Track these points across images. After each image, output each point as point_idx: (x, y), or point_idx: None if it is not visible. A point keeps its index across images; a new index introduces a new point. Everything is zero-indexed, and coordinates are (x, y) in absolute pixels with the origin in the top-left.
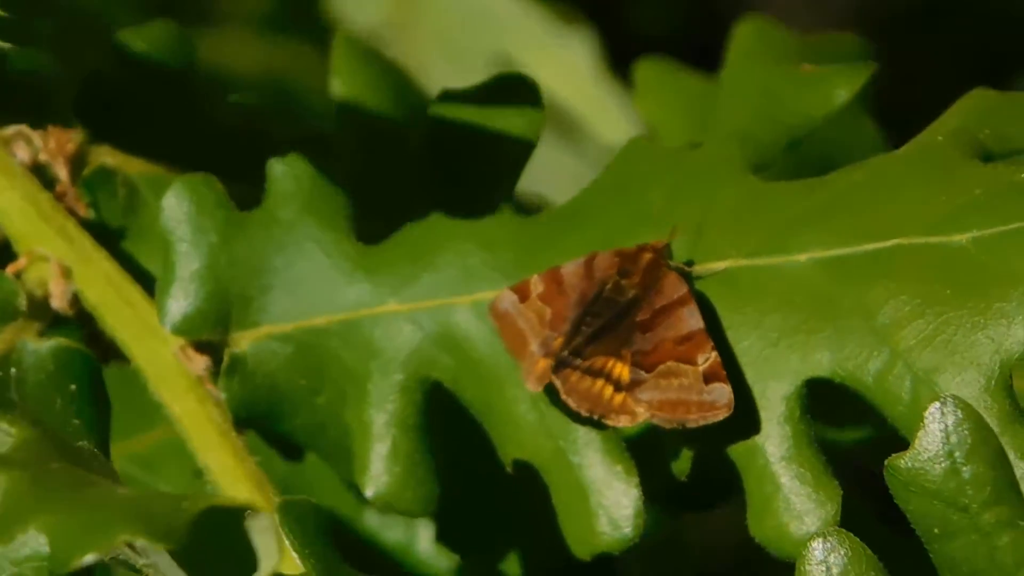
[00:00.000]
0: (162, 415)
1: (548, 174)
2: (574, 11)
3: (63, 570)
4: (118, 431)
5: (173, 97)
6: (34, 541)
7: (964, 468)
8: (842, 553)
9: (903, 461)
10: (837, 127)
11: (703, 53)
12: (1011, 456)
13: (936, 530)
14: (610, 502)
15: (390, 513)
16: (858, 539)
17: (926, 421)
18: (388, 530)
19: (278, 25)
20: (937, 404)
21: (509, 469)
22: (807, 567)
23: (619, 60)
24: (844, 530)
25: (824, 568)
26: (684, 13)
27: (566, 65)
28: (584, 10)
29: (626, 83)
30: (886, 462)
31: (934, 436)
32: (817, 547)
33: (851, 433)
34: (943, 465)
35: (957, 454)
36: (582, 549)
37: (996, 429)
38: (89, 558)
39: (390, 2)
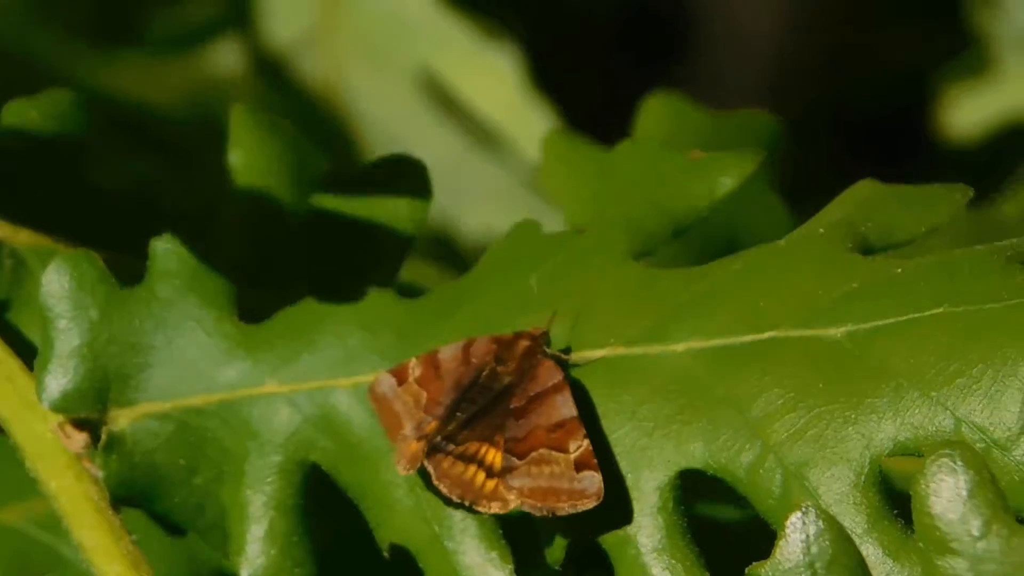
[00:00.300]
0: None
1: (470, 187)
2: (500, 25)
3: None
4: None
5: (65, 168)
6: None
7: None
8: None
9: (764, 570)
10: (743, 205)
11: (638, 61)
12: (879, 553)
13: None
14: None
15: None
16: None
17: (787, 531)
18: None
19: (205, 37)
20: (798, 514)
21: (386, 554)
22: None
23: (548, 72)
24: None
25: None
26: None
27: (490, 78)
28: (511, 22)
29: (552, 96)
30: (747, 571)
31: (795, 546)
32: None
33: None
34: (804, 575)
35: (817, 564)
36: None
37: (865, 526)
38: None
39: (315, 10)
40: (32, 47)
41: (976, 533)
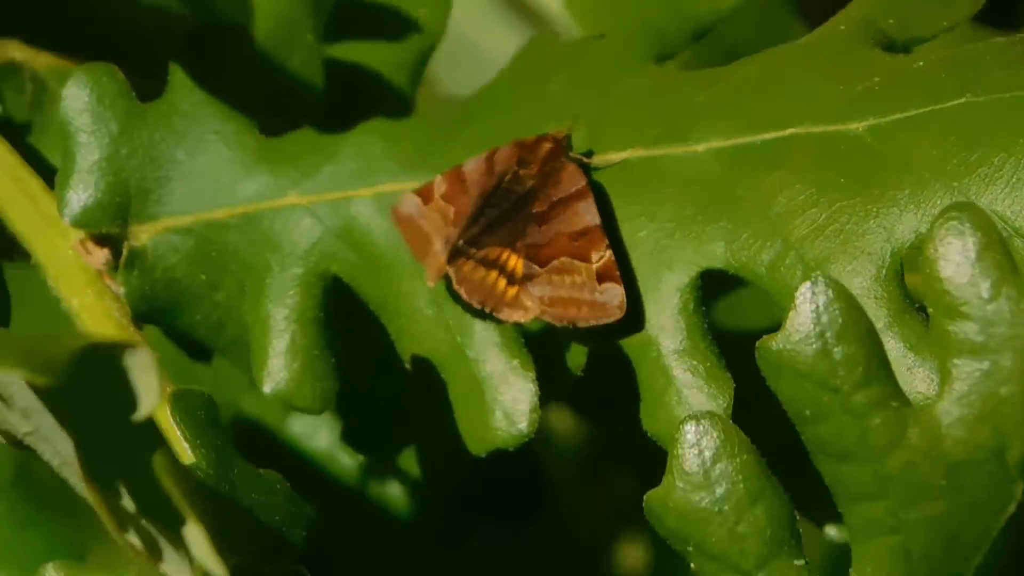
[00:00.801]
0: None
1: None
2: None
3: None
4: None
5: None
6: None
7: (835, 349)
8: (715, 436)
9: (774, 343)
10: (762, 27)
11: None
12: (900, 347)
13: (807, 412)
14: (506, 397)
15: (289, 409)
16: (731, 423)
17: (797, 302)
18: (312, 438)
19: None
20: (808, 284)
21: (407, 364)
22: (680, 450)
23: None
24: (717, 414)
25: (696, 451)
26: None
27: None
28: None
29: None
30: (757, 344)
31: (805, 317)
32: (690, 430)
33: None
34: (814, 346)
35: (828, 335)
36: (477, 445)
37: (887, 320)
38: None
39: None
40: None
41: (986, 296)
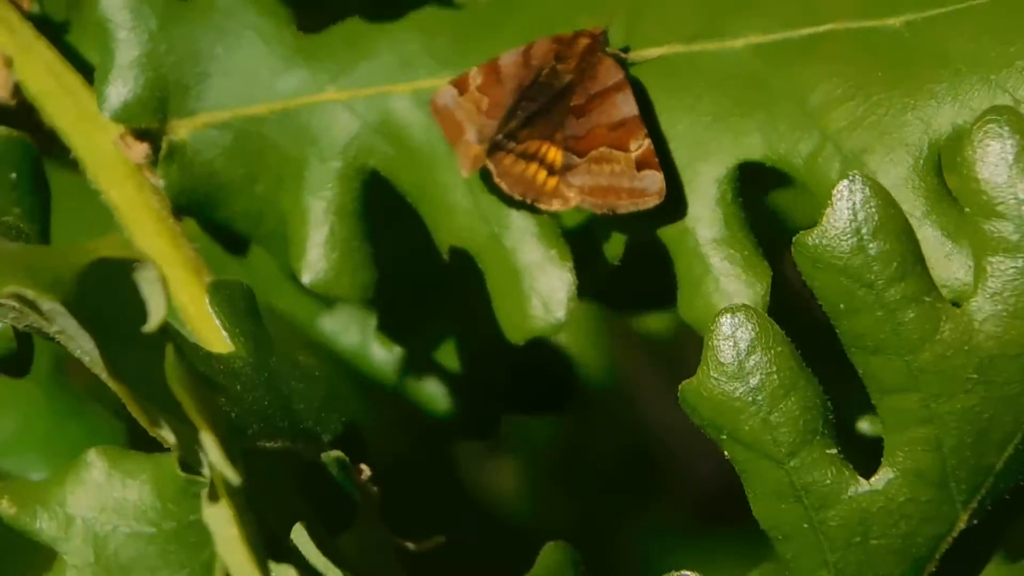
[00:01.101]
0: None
1: None
2: None
3: None
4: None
5: None
6: None
7: (870, 244)
8: (749, 328)
9: (810, 238)
10: None
11: None
12: (938, 235)
13: (842, 306)
14: (543, 286)
15: (328, 299)
16: (766, 315)
17: (834, 198)
18: (343, 335)
19: None
20: (845, 181)
21: (444, 255)
22: (715, 341)
23: None
24: (751, 306)
25: (732, 343)
26: None
27: None
28: None
29: None
30: (794, 240)
31: (841, 213)
32: (725, 322)
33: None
34: (850, 241)
35: (864, 231)
36: (515, 333)
37: (924, 209)
38: None
39: None
40: None
41: (1022, 196)
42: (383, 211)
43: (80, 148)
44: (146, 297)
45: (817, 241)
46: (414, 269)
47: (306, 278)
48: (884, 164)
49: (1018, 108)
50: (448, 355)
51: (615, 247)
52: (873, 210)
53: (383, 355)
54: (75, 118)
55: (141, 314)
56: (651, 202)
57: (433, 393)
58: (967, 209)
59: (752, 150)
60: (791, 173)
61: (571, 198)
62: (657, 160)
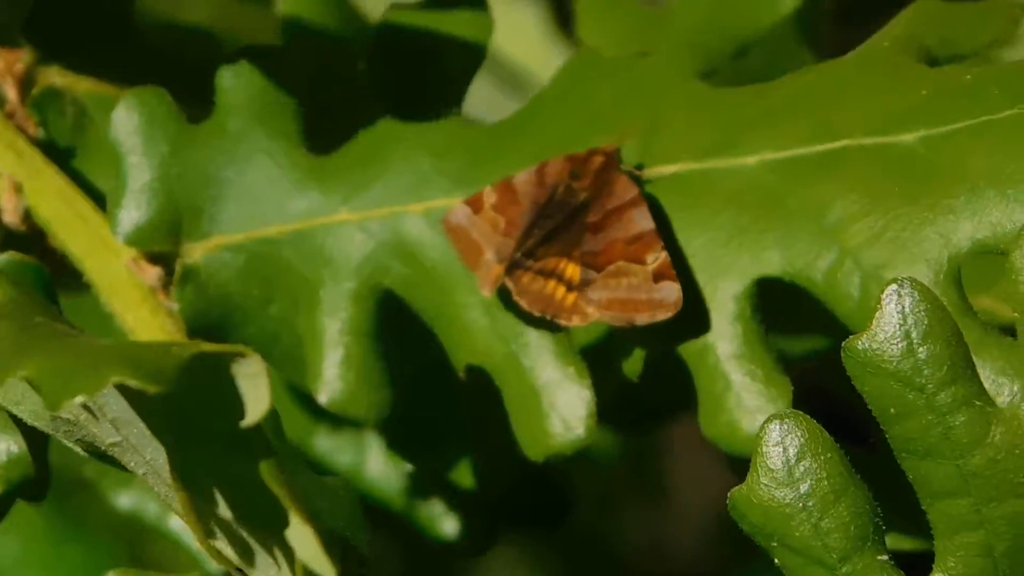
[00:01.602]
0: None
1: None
2: None
3: (54, 411)
4: None
5: (121, 20)
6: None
7: (920, 348)
8: (799, 434)
9: (860, 342)
10: (773, 57)
11: None
12: None
13: (892, 410)
14: (563, 403)
15: (346, 419)
16: (815, 421)
17: (883, 302)
18: (338, 454)
19: None
20: (894, 286)
21: (461, 375)
22: (765, 448)
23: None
24: (801, 412)
25: (781, 449)
26: None
27: (519, 26)
28: None
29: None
30: (844, 344)
31: (891, 317)
32: (774, 429)
33: (803, 343)
34: (900, 345)
35: (914, 334)
36: (535, 451)
37: None
38: (79, 399)
39: None
40: None
41: None
42: (399, 329)
43: (93, 272)
44: (244, 392)
45: (867, 345)
46: (426, 388)
47: (323, 398)
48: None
49: None
50: (464, 476)
51: (635, 364)
52: (923, 314)
53: (379, 475)
54: (88, 242)
55: (229, 410)
56: (669, 312)
57: (434, 514)
58: (1016, 314)
59: (771, 266)
60: (810, 289)
61: (590, 313)
62: (674, 272)
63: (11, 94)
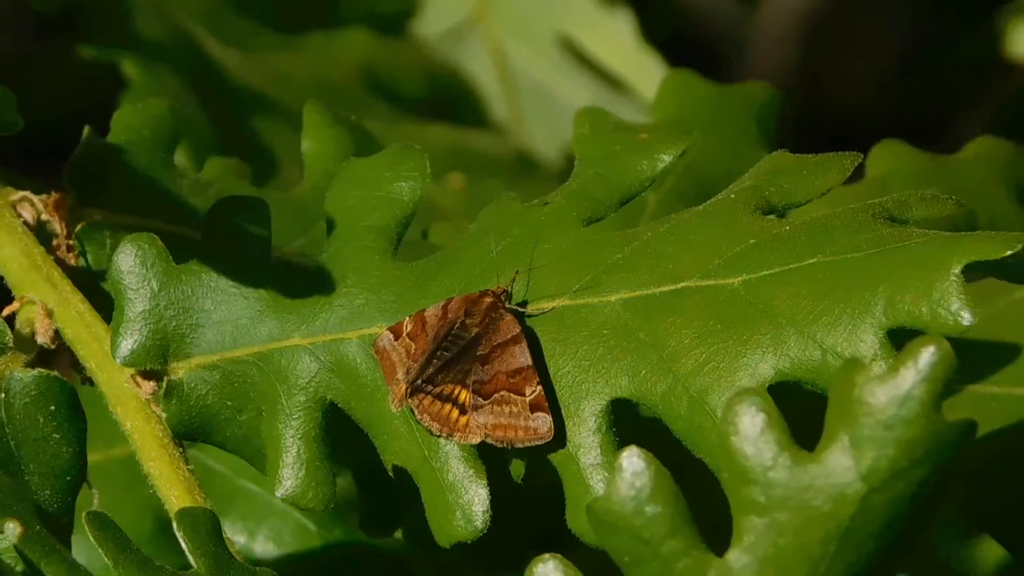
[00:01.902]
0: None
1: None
2: None
3: None
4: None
5: (152, 173)
6: None
7: (647, 507)
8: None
9: (599, 503)
10: (732, 159)
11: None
12: None
13: (627, 559)
14: (464, 500)
15: (298, 508)
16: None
17: (618, 468)
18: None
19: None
20: (625, 454)
21: (390, 472)
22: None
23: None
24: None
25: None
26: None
27: (613, 38)
28: None
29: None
30: (587, 505)
31: (623, 481)
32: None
33: None
34: (630, 505)
35: (641, 496)
36: (443, 538)
37: None
38: None
39: (469, 2)
40: (224, 30)
41: (768, 464)
42: (340, 434)
43: (103, 385)
44: None
45: (604, 505)
46: (365, 482)
47: (279, 492)
48: (722, 402)
49: (825, 355)
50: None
51: (518, 469)
52: (647, 478)
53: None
54: (100, 360)
55: None
56: (542, 440)
57: None
58: (724, 475)
59: (621, 389)
60: (651, 408)
61: (478, 433)
62: (547, 404)
63: (58, 229)
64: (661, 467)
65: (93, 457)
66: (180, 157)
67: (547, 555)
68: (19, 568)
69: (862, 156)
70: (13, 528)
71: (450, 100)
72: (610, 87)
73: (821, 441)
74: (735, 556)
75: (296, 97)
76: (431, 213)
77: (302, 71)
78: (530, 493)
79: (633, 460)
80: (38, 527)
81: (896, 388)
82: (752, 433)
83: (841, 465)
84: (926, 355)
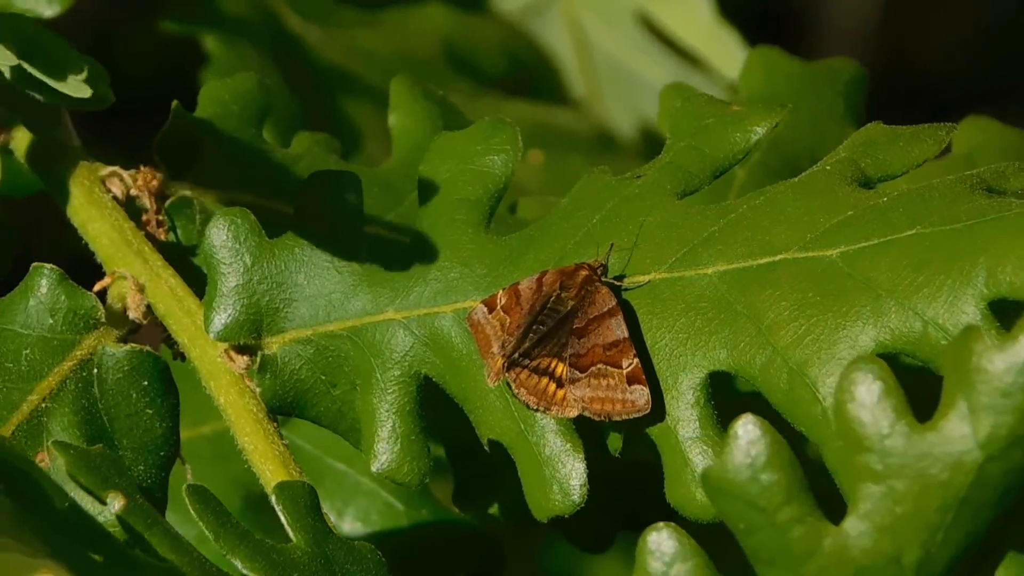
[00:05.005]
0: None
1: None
2: None
3: None
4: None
5: (242, 147)
6: None
7: (762, 475)
8: (672, 542)
9: (714, 470)
10: (819, 135)
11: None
12: None
13: (741, 526)
14: (561, 474)
15: (394, 483)
16: (684, 531)
17: (731, 436)
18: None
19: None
20: (741, 421)
21: (486, 447)
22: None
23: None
24: (674, 525)
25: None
26: None
27: (690, 14)
28: None
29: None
30: (702, 472)
31: (738, 449)
32: (652, 538)
33: None
34: (745, 473)
35: (756, 464)
36: (540, 512)
37: None
38: None
39: None
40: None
41: (885, 432)
42: (435, 408)
43: (195, 359)
44: None
45: (719, 473)
46: (461, 456)
47: (375, 467)
48: (822, 374)
49: (926, 327)
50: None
51: (616, 442)
52: (763, 446)
53: None
54: (192, 335)
55: None
56: (640, 412)
57: None
58: (839, 442)
59: (719, 362)
60: (750, 380)
61: (575, 407)
62: (644, 376)
63: (148, 205)
64: (777, 435)
65: (182, 434)
66: (265, 132)
67: (661, 524)
68: (123, 539)
69: (956, 127)
70: (117, 500)
71: (529, 76)
72: (688, 64)
73: (938, 409)
74: (851, 524)
75: (377, 73)
76: (513, 189)
77: (383, 46)
78: (615, 467)
79: (748, 428)
80: (140, 499)
81: (1015, 356)
82: (869, 400)
83: (959, 433)
84: None
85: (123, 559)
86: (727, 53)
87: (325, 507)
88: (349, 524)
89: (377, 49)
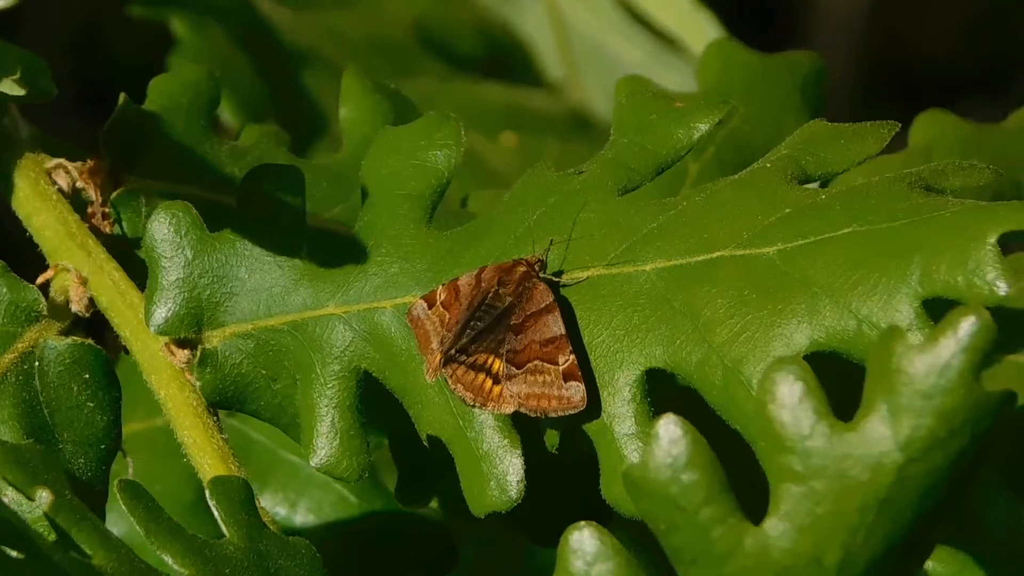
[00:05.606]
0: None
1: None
2: None
3: None
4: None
5: (188, 140)
6: None
7: (683, 475)
8: (595, 541)
9: (635, 470)
10: (779, 126)
11: None
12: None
13: (663, 526)
14: (499, 470)
15: (332, 478)
16: (606, 529)
17: (654, 436)
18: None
19: None
20: (662, 421)
21: (425, 442)
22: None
23: None
24: (595, 524)
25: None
26: None
27: None
28: None
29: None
30: (623, 471)
31: (660, 448)
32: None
33: None
34: (666, 473)
35: (677, 463)
36: (477, 508)
37: None
38: None
39: None
40: None
41: (805, 432)
42: (374, 404)
43: (137, 353)
44: None
45: (640, 472)
46: (400, 452)
47: (314, 462)
48: (756, 372)
49: (861, 325)
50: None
51: (552, 439)
52: (684, 446)
53: None
54: (134, 328)
55: None
56: (575, 409)
57: None
58: (762, 443)
59: (656, 359)
60: (686, 378)
61: (511, 403)
62: (580, 373)
63: (93, 196)
64: (698, 435)
65: (135, 426)
66: (229, 117)
67: (582, 523)
68: (51, 536)
69: (899, 125)
70: (44, 496)
71: (505, 58)
72: (666, 46)
73: (859, 410)
74: (772, 524)
75: (349, 55)
76: (483, 173)
77: (355, 29)
78: (575, 462)
79: (670, 428)
80: (69, 495)
81: (936, 357)
82: (790, 401)
83: (879, 434)
84: (966, 325)
85: (42, 557)
86: (704, 35)
87: (278, 499)
88: (302, 516)
89: (349, 31)
